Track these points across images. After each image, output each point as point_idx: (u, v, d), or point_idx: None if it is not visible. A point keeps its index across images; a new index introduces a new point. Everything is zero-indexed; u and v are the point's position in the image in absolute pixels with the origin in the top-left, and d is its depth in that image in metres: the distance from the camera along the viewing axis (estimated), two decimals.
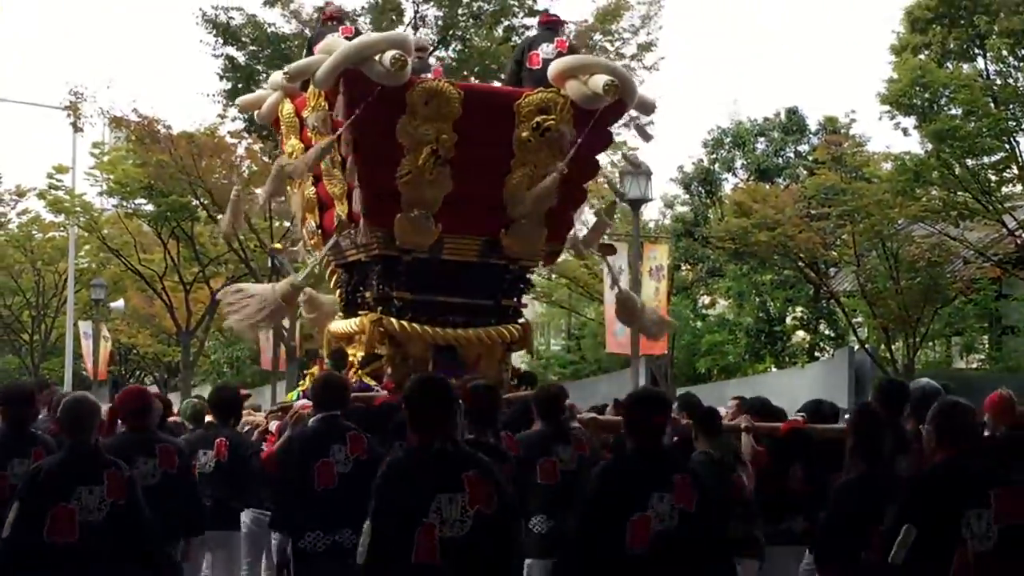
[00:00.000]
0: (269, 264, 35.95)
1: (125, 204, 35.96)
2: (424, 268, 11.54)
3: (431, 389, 5.82)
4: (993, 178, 25.78)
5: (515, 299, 12.19)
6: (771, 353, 34.47)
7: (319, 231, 12.29)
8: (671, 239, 33.94)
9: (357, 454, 7.47)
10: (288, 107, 12.28)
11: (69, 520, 5.99)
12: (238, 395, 10.55)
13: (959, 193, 25.24)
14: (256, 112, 13.10)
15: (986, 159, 25.46)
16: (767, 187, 31.45)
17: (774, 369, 33.44)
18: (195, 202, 32.48)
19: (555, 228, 11.94)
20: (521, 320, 12.17)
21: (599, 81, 11.31)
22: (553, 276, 39.68)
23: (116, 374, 47.94)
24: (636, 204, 23.86)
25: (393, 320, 11.40)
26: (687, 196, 37.27)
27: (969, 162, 24.99)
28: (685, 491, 5.80)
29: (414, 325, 11.40)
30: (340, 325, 12.09)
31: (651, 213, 38.96)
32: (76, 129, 33.25)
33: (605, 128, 11.81)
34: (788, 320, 35.16)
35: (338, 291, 12.34)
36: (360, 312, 11.83)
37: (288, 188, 12.44)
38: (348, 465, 7.43)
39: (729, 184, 36.47)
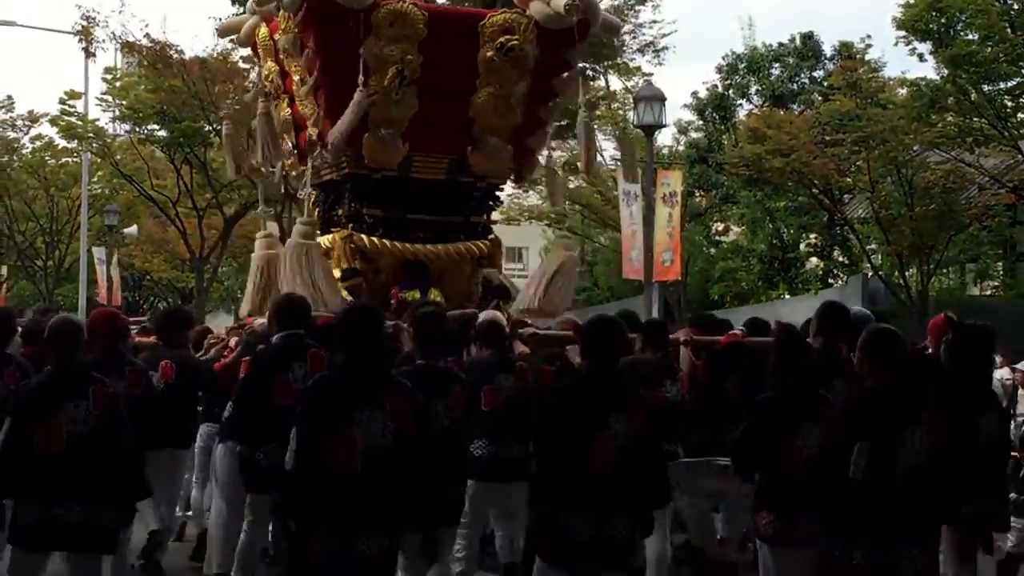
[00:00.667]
0: (282, 190, 35.92)
1: (138, 130, 35.89)
2: (394, 186, 11.85)
3: (361, 317, 6.30)
4: (1009, 104, 25.63)
5: (484, 216, 12.51)
6: (784, 280, 34.46)
7: (295, 152, 12.55)
8: (685, 165, 33.86)
9: (317, 371, 7.67)
10: (264, 31, 12.45)
11: (57, 433, 6.44)
12: (187, 316, 10.81)
13: (975, 119, 25.11)
14: (235, 37, 13.19)
15: (1002, 85, 25.30)
16: (781, 113, 31.33)
17: (787, 296, 33.44)
18: (208, 127, 32.39)
19: (520, 147, 12.18)
20: (491, 236, 12.48)
21: (561, 1, 11.42)
22: (567, 203, 39.61)
23: (130, 300, 48.09)
24: (649, 130, 23.75)
25: (363, 236, 11.76)
26: (701, 122, 37.18)
27: (985, 88, 24.85)
28: (638, 413, 6.30)
29: (384, 241, 11.77)
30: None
31: (665, 139, 38.88)
32: (88, 54, 33.15)
33: (568, 49, 11.86)
34: (802, 247, 35.12)
35: (316, 210, 12.58)
36: (333, 229, 12.19)
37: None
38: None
39: (743, 110, 36.41)
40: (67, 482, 6.47)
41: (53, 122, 39.41)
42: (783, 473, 6.54)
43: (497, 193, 12.61)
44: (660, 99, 23.11)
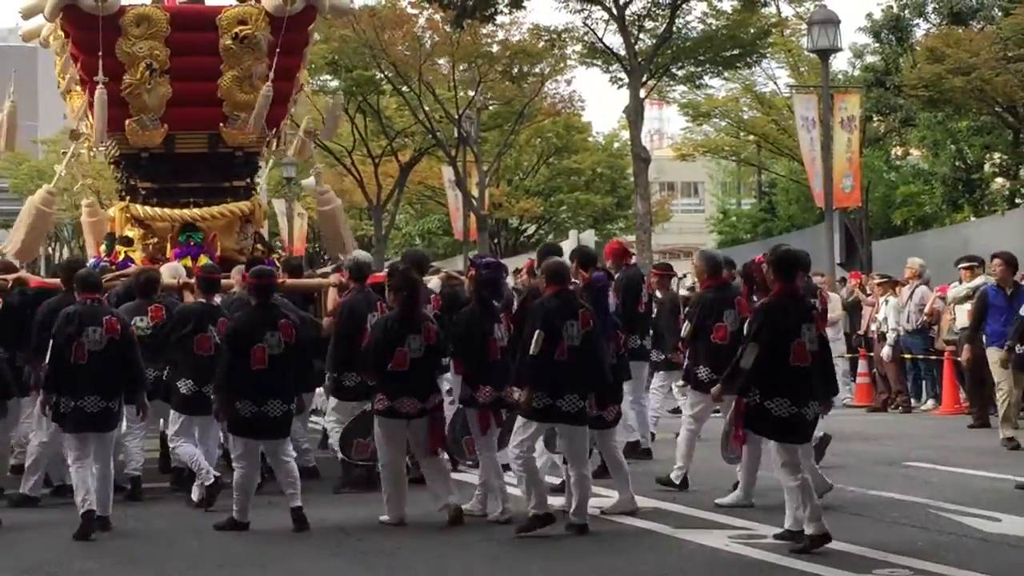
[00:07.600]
0: (456, 134, 36.16)
1: (311, 81, 36.34)
2: (161, 161, 14.00)
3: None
4: None
5: (246, 180, 14.59)
6: (969, 202, 33.78)
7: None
8: (862, 89, 33.24)
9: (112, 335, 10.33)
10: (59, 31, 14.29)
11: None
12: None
13: None
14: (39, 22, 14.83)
15: None
16: (961, 31, 30.53)
17: (973, 218, 32.77)
18: (379, 75, 32.69)
19: (268, 118, 14.01)
20: (252, 196, 14.61)
21: None
22: (741, 134, 39.18)
23: (312, 250, 48.88)
24: (824, 54, 23.33)
25: (138, 206, 13.89)
26: (877, 44, 36.35)
27: None
28: (429, 332, 10.10)
29: (156, 209, 13.86)
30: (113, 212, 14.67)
31: (840, 64, 38.12)
32: None
33: (301, 31, 14.11)
34: (986, 167, 34.37)
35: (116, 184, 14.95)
36: (119, 201, 14.53)
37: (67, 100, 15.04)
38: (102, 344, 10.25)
39: (921, 30, 35.43)
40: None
41: None
42: (489, 359, 10.23)
43: (258, 160, 14.89)
44: (834, 22, 22.71)
